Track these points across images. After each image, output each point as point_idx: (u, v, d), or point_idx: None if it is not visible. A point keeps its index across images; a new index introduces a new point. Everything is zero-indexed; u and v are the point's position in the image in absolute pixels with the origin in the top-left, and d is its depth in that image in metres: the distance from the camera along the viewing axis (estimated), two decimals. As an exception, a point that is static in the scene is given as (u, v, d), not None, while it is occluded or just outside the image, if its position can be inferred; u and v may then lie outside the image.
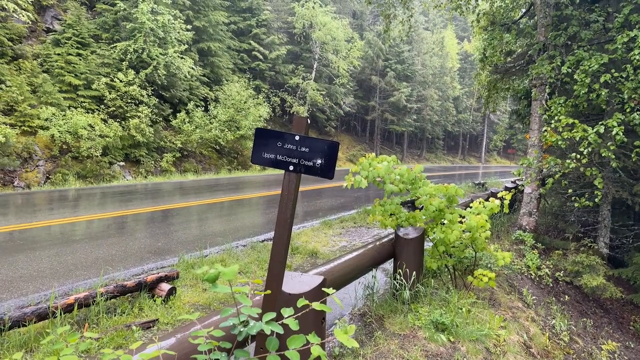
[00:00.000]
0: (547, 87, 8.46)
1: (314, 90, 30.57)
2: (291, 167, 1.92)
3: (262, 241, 7.20)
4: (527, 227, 9.25)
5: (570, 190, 8.33)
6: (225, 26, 25.67)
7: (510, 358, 4.33)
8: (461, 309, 4.77)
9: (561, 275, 7.52)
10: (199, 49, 23.17)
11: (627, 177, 9.72)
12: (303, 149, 1.88)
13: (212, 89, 23.85)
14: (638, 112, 6.97)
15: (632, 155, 7.19)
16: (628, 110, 7.11)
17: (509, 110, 29.39)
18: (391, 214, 5.19)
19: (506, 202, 5.29)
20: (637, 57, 6.55)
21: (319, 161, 1.87)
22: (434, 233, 5.04)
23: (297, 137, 1.90)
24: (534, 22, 9.80)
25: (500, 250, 5.43)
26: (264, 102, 26.48)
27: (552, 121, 7.86)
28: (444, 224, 5.15)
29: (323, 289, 3.04)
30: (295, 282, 2.97)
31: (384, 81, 41.17)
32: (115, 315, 4.17)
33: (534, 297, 6.14)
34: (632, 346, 7.09)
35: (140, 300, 4.43)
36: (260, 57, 28.34)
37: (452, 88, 52.77)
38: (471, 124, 57.10)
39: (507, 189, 11.44)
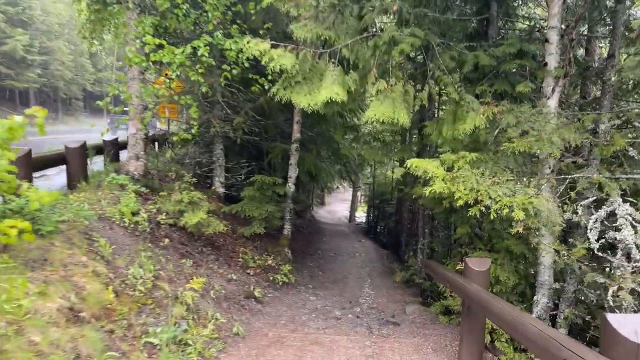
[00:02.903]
0: (135, 5, 7.21)
1: None
2: None
3: None
4: (135, 172, 8.05)
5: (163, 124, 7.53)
6: None
7: (30, 335, 2.90)
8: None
9: (163, 217, 6.67)
10: None
11: (232, 113, 9.83)
12: None
13: None
14: (221, 32, 6.59)
15: (221, 80, 6.85)
16: (212, 29, 6.66)
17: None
18: None
19: (40, 120, 3.72)
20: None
21: None
22: None
23: None
24: None
25: (40, 191, 3.86)
26: None
27: (137, 42, 6.72)
28: None
29: None
30: None
31: (-10, 23, 32.52)
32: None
33: (115, 247, 4.93)
34: (235, 277, 6.98)
35: None
36: None
37: (88, 43, 47.09)
38: (115, 83, 53.03)
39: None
